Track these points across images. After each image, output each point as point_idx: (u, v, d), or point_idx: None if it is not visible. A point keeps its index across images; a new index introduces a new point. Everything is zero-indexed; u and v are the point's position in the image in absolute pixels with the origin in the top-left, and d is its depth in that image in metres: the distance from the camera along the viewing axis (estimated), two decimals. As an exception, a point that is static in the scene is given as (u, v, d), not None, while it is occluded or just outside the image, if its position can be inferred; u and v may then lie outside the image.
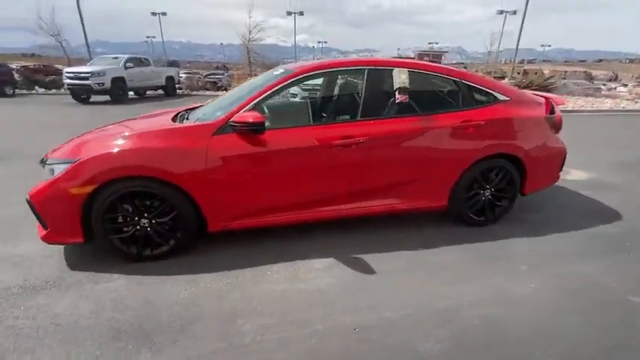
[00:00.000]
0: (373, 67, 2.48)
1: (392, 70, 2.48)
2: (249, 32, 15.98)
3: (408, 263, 2.34)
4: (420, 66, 2.68)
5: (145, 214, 2.21)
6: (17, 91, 15.86)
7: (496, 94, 2.71)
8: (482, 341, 1.68)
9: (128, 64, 13.19)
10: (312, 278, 2.16)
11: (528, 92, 3.07)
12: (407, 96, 2.44)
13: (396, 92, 2.43)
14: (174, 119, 2.61)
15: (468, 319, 1.83)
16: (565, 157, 3.02)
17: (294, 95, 4.12)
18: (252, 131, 2.14)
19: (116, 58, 13.65)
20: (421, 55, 75.61)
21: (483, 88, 2.69)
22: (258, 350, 1.60)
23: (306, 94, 3.83)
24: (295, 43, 33.99)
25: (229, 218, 2.35)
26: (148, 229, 2.24)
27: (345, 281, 2.14)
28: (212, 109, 2.62)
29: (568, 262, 2.39)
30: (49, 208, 2.09)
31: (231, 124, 2.16)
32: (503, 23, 29.83)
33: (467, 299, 1.97)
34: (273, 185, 2.33)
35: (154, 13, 35.05)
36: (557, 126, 2.86)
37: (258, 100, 2.29)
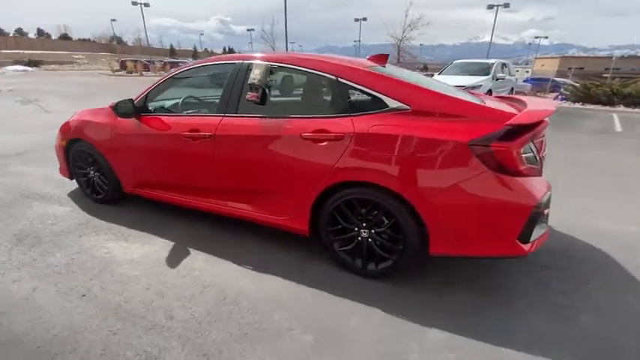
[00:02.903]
0: (240, 62, 2.31)
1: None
2: (403, 31, 15.37)
3: (221, 272, 2.16)
4: (288, 60, 2.23)
5: (91, 167, 3.09)
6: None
7: (387, 99, 1.89)
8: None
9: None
10: (137, 251, 2.41)
11: (473, 99, 1.87)
12: (257, 94, 2.15)
13: (249, 89, 2.18)
14: None
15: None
16: (534, 218, 1.72)
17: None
18: (117, 114, 2.58)
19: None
20: None
21: (369, 91, 1.94)
22: (34, 270, 2.12)
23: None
24: (492, 38, 29.57)
25: (133, 184, 2.91)
26: (94, 178, 3.12)
27: (145, 261, 2.27)
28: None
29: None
30: (57, 153, 3.32)
31: None
32: None
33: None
34: (149, 164, 2.70)
35: (356, 19, 39.20)
36: (496, 162, 1.66)
37: (147, 92, 2.67)
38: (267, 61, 2.24)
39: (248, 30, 56.61)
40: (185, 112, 2.75)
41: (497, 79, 10.37)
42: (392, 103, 1.88)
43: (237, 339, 1.64)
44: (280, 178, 2.17)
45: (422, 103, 1.84)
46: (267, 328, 1.71)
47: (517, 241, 1.74)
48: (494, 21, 28.79)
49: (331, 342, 1.64)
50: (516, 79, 16.27)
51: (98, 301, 1.90)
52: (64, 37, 58.68)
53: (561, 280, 2.13)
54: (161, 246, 2.48)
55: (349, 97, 2.00)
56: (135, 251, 2.41)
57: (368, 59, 2.56)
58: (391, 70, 2.33)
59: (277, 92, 2.32)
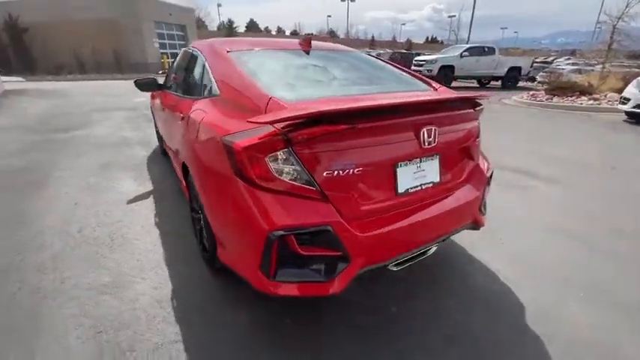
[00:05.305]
0: (186, 49, 2.65)
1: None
2: (626, 6, 9.89)
3: (143, 220, 2.77)
4: (198, 45, 2.35)
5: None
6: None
7: (214, 84, 1.82)
8: None
9: (464, 54, 13.92)
10: (132, 188, 3.34)
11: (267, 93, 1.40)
12: (176, 75, 2.46)
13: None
14: None
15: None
16: (275, 248, 1.30)
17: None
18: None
19: (462, 47, 14.73)
20: None
21: (211, 75, 1.92)
22: (82, 183, 3.40)
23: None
24: None
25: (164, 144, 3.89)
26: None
27: (125, 194, 3.13)
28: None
29: None
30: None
31: None
32: None
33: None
34: (159, 127, 3.53)
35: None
36: (235, 165, 1.34)
37: (168, 72, 3.43)
38: (193, 47, 2.51)
39: (449, 17, 52.98)
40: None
41: None
42: (214, 89, 1.81)
43: (89, 261, 2.17)
44: (175, 149, 2.47)
45: (227, 91, 1.70)
46: (107, 264, 2.15)
47: (260, 272, 1.38)
48: None
49: (108, 293, 1.91)
50: None
51: (77, 209, 2.87)
52: (294, 33, 74.27)
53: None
54: (147, 190, 3.31)
55: (205, 80, 2.02)
56: (131, 188, 3.34)
57: (298, 43, 2.38)
58: (304, 56, 2.12)
59: (189, 74, 2.56)
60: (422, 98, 1.53)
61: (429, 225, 1.58)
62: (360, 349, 1.55)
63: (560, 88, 9.77)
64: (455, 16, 50.97)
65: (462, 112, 1.65)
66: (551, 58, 34.96)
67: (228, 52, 1.98)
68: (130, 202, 3.03)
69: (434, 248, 1.77)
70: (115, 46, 19.53)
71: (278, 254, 1.32)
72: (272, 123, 1.25)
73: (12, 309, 1.75)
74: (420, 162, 1.55)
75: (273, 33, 73.00)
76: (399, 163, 1.48)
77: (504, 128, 6.82)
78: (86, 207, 2.91)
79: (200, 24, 53.38)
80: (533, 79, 17.46)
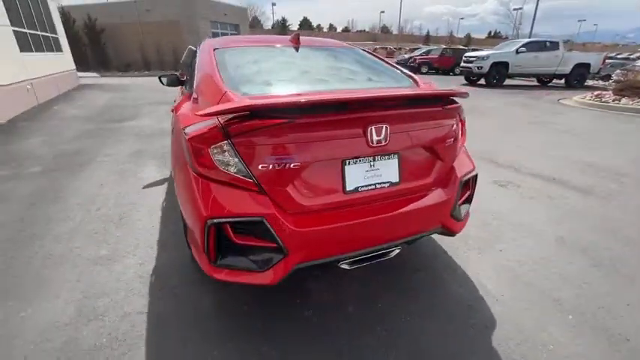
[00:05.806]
0: (194, 48, 2.81)
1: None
2: None
3: (155, 199, 3.05)
4: (199, 45, 2.44)
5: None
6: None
7: (194, 81, 1.96)
8: None
9: (521, 49, 12.73)
10: (151, 174, 3.68)
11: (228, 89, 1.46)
12: (182, 71, 2.64)
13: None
14: None
15: None
16: (213, 234, 1.38)
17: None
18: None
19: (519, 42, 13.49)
20: None
21: (195, 73, 2.06)
22: (113, 162, 3.83)
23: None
24: None
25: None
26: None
27: (143, 178, 3.47)
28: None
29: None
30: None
31: None
32: None
33: None
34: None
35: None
36: (189, 154, 1.44)
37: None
38: (197, 45, 2.67)
39: (514, 10, 48.56)
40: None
41: None
42: (194, 85, 1.93)
43: (96, 235, 2.48)
44: None
45: (200, 86, 1.80)
46: (109, 239, 2.43)
47: (204, 256, 1.47)
48: None
49: (102, 265, 2.16)
50: None
51: (103, 190, 3.26)
52: (345, 30, 74.16)
53: None
54: (164, 177, 3.62)
55: (193, 76, 2.15)
56: (151, 174, 3.68)
57: (288, 39, 2.43)
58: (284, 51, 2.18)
59: (189, 70, 2.71)
60: (367, 95, 1.48)
61: (382, 226, 1.54)
62: (326, 346, 1.58)
63: (633, 88, 8.50)
64: (521, 8, 46.58)
65: (426, 110, 1.57)
66: (637, 54, 30.28)
67: (214, 49, 2.09)
68: (147, 187, 3.35)
69: (396, 250, 1.71)
70: (174, 45, 21.22)
71: (215, 241, 1.40)
72: (206, 115, 1.33)
73: (24, 269, 2.07)
74: (374, 161, 1.52)
75: (325, 30, 73.61)
76: (348, 161, 1.46)
77: (549, 132, 6.15)
78: (110, 189, 3.28)
79: (255, 23, 55.55)
80: (607, 78, 15.40)
